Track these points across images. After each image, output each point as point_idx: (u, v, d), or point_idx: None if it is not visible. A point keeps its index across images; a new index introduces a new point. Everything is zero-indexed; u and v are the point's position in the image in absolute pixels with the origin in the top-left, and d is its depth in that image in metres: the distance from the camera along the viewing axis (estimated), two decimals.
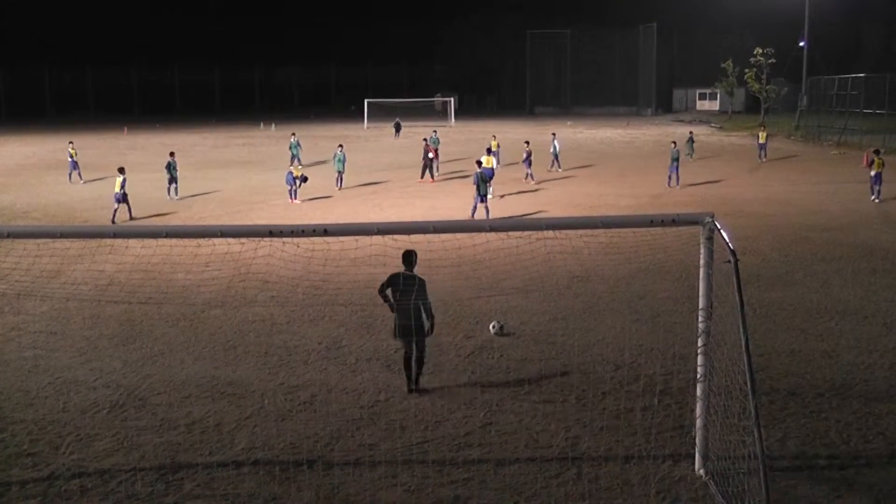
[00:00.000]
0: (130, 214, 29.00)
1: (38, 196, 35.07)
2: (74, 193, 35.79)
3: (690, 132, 51.27)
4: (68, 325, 16.13)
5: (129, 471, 10.25)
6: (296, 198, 32.49)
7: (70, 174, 39.98)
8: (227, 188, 37.11)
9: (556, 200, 32.32)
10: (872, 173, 31.34)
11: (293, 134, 48.47)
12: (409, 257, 12.48)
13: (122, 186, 28.84)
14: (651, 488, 9.68)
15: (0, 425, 11.57)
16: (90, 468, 10.34)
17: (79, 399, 12.50)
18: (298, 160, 45.33)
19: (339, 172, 36.88)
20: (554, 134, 45.92)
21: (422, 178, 38.96)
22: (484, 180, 27.81)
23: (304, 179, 32.94)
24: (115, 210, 28.61)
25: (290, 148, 46.36)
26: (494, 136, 45.92)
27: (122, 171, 29.62)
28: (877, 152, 32.19)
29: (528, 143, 40.05)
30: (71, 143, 41.92)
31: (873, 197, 31.17)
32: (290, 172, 32.92)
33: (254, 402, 12.31)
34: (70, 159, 40.12)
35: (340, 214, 29.55)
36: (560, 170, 42.53)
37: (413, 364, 12.50)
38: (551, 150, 43.25)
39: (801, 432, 11.15)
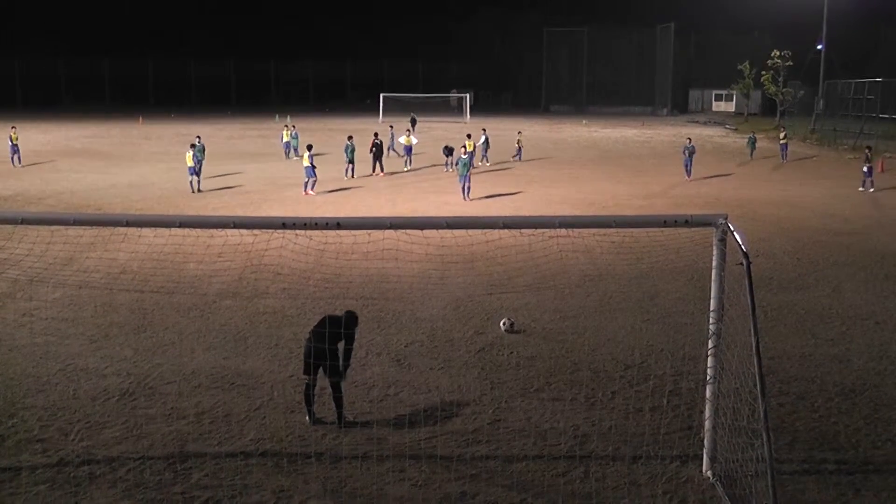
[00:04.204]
0: (199, 187, 32.92)
1: (51, 183, 35.23)
2: (88, 181, 35.93)
3: (752, 133, 53.26)
4: (80, 313, 16.22)
5: (138, 459, 10.30)
6: (311, 189, 32.53)
7: (12, 158, 40.51)
8: (241, 179, 37.17)
9: (568, 199, 32.27)
10: (865, 168, 35.31)
11: (289, 126, 48.92)
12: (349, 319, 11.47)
13: (194, 159, 32.72)
14: (658, 489, 9.67)
15: (11, 411, 11.64)
16: (99, 455, 10.41)
17: (89, 386, 12.57)
18: (296, 151, 45.69)
19: (350, 162, 38.05)
20: (484, 129, 46.99)
21: (373, 171, 39.00)
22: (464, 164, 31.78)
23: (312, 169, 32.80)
24: (191, 181, 32.85)
25: (292, 138, 46.53)
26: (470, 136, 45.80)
27: (193, 146, 33.64)
28: (868, 148, 37.76)
29: (469, 136, 42.06)
30: (14, 128, 42.32)
31: (867, 189, 34.88)
32: (311, 166, 32.71)
33: (263, 394, 12.35)
34: (11, 144, 40.62)
35: (353, 208, 29.59)
36: (488, 164, 43.50)
37: (333, 403, 11.39)
38: (481, 143, 44.24)
39: (810, 436, 11.11)
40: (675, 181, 38.04)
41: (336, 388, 11.27)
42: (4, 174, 37.88)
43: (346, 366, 11.40)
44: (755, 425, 9.05)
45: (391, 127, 48.31)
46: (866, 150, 37.26)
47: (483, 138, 43.87)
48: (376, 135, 41.07)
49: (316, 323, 11.56)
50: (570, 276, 18.45)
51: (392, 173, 39.78)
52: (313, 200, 31.30)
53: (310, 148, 33.41)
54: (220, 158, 44.12)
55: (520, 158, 45.92)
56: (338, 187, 34.64)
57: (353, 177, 37.65)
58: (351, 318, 11.52)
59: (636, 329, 15.53)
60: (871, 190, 34.75)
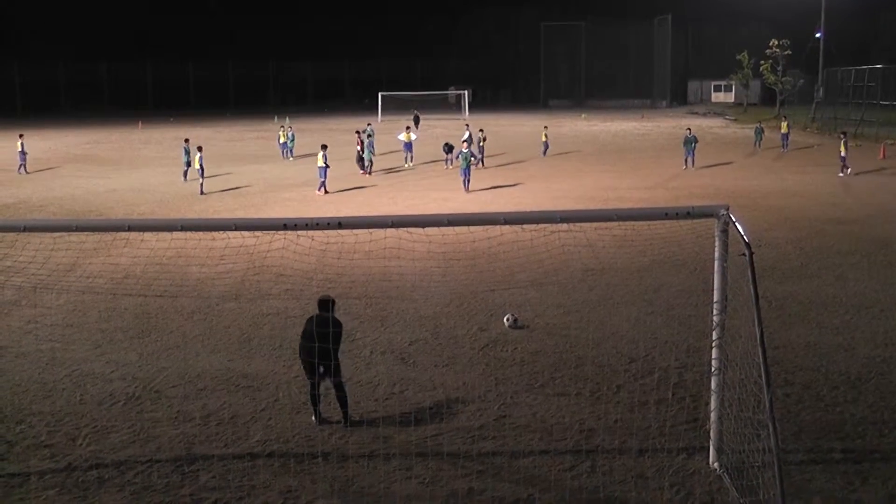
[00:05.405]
0: (202, 189, 33.28)
1: (53, 190, 35.27)
2: (89, 187, 35.97)
3: (760, 122, 52.94)
4: (84, 318, 16.24)
5: (146, 462, 10.33)
6: (320, 190, 32.88)
7: (21, 166, 40.99)
8: (242, 181, 37.20)
9: (568, 193, 32.27)
10: (843, 154, 36.48)
11: (285, 127, 49.28)
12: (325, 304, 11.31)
13: (201, 162, 33.74)
14: (665, 481, 9.67)
15: (18, 417, 11.67)
16: (107, 459, 10.43)
17: (95, 391, 12.59)
18: (291, 153, 45.91)
19: (369, 161, 39.33)
20: (467, 125, 48.31)
21: (362, 171, 39.22)
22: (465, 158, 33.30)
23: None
24: (201, 183, 33.53)
25: (289, 141, 46.58)
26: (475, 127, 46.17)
27: (200, 149, 34.79)
28: (844, 134, 39.41)
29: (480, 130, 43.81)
30: (21, 135, 42.63)
31: (842, 173, 36.06)
32: (324, 165, 32.81)
33: (269, 395, 12.37)
34: (21, 151, 41.14)
35: (355, 207, 29.60)
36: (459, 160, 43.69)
37: (337, 403, 11.37)
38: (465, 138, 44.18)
39: (816, 426, 11.11)
40: (675, 173, 38.07)
41: (339, 388, 11.29)
42: (6, 182, 37.93)
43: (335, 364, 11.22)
44: (761, 416, 9.06)
45: (368, 125, 48.33)
46: (842, 136, 38.51)
47: (467, 135, 43.85)
48: (358, 133, 41.50)
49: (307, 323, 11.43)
50: (572, 271, 18.44)
51: (390, 170, 39.86)
52: (314, 200, 31.33)
53: (324, 148, 33.60)
54: (220, 161, 44.13)
55: (545, 154, 46.47)
56: (343, 187, 34.60)
57: (364, 174, 38.65)
58: (324, 304, 11.30)
59: (640, 322, 15.53)
60: (841, 175, 35.97)
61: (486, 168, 40.16)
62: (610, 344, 14.40)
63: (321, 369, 11.02)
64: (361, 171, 38.94)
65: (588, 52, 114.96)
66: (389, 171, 40.15)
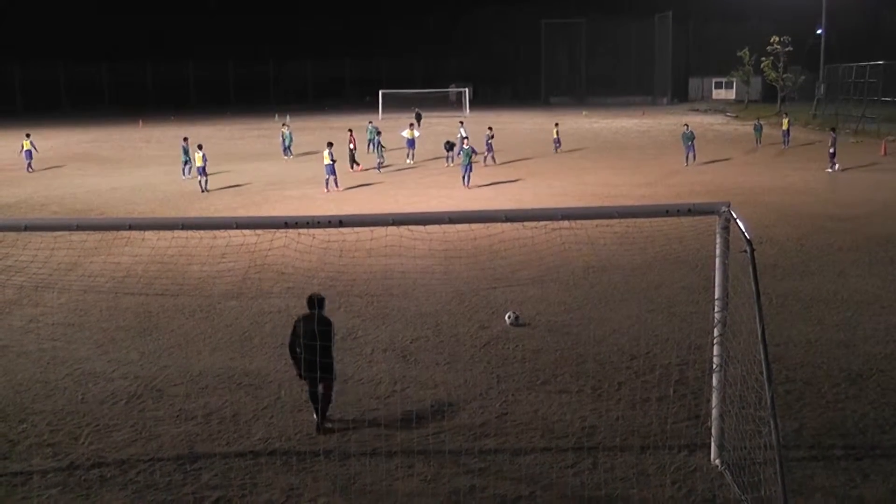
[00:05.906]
0: (204, 187, 33.31)
1: (54, 189, 35.26)
2: (90, 186, 35.97)
3: (758, 119, 52.49)
4: (86, 317, 16.25)
5: (148, 461, 10.34)
6: (337, 186, 33.07)
7: (28, 164, 41.40)
8: (242, 179, 37.19)
9: (569, 190, 32.28)
10: (831, 150, 36.73)
11: (286, 125, 49.62)
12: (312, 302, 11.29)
13: (204, 160, 33.55)
14: (667, 478, 9.68)
15: (20, 416, 11.69)
16: (109, 458, 10.45)
17: (97, 390, 12.61)
18: (289, 150, 46.09)
19: (381, 158, 40.14)
20: (462, 122, 49.26)
21: (352, 168, 39.25)
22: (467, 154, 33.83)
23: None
24: (200, 181, 33.49)
25: (285, 139, 46.74)
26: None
27: (200, 147, 34.73)
28: (833, 129, 39.84)
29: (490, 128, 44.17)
30: (28, 135, 42.87)
31: (830, 169, 36.35)
32: (331, 163, 32.92)
33: (270, 393, 12.38)
34: (27, 151, 41.50)
35: (356, 205, 29.59)
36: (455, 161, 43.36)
37: (320, 399, 11.16)
38: (461, 136, 43.98)
39: (818, 422, 11.11)
40: (676, 170, 38.07)
41: (327, 388, 11.11)
42: (8, 181, 37.95)
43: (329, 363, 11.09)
44: (762, 412, 9.07)
45: (370, 122, 48.38)
46: (831, 132, 38.62)
47: (462, 132, 43.77)
48: (351, 132, 41.69)
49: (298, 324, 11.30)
50: (573, 268, 18.46)
51: (391, 167, 39.90)
52: (316, 198, 31.33)
53: (330, 145, 33.73)
54: (221, 159, 44.10)
55: (558, 150, 47.00)
56: (344, 185, 34.59)
57: (361, 170, 39.20)
58: (320, 302, 11.25)
59: (641, 319, 15.53)
60: (829, 170, 36.26)
61: (486, 166, 40.04)
62: (611, 341, 14.40)
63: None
64: (354, 169, 39.00)
65: (589, 49, 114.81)
66: (390, 168, 40.12)
